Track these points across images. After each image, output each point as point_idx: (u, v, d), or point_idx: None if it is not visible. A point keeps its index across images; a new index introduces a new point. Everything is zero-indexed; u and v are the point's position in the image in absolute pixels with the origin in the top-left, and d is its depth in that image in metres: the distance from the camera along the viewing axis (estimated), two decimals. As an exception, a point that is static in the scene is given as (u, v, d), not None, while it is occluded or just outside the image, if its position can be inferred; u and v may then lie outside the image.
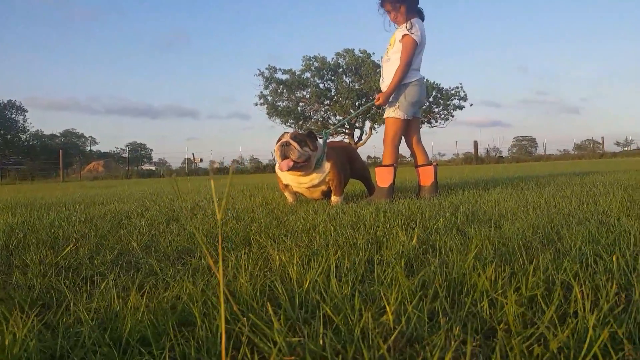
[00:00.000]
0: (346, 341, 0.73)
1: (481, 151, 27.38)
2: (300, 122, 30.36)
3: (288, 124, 30.55)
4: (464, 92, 27.53)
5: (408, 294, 0.87)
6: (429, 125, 28.18)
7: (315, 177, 3.11)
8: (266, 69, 29.23)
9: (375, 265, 1.08)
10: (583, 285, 0.86)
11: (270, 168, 28.67)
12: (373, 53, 28.40)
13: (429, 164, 3.36)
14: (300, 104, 30.65)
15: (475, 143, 24.62)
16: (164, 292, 1.05)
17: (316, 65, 29.32)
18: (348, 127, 29.96)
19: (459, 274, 1.01)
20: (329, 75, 29.57)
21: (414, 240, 1.37)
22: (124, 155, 53.62)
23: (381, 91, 3.35)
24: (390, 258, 1.21)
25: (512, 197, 2.70)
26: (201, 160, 32.85)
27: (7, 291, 1.18)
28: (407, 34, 3.18)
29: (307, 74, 29.65)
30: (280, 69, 29.37)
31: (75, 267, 1.49)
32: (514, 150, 48.80)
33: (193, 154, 32.68)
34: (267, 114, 30.11)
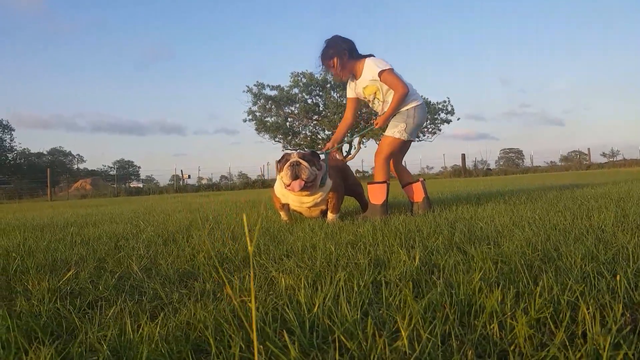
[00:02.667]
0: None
1: (469, 164, 27.67)
2: (289, 138, 30.44)
3: (277, 139, 30.62)
4: (451, 105, 27.92)
5: (419, 317, 0.88)
6: (417, 139, 28.47)
7: (318, 196, 3.13)
8: (254, 85, 29.35)
9: (383, 288, 1.10)
10: (590, 306, 0.88)
11: (259, 184, 28.62)
12: (361, 68, 28.70)
13: (416, 180, 3.42)
14: (289, 119, 30.77)
15: (463, 156, 24.89)
16: (174, 318, 1.05)
17: (304, 80, 29.54)
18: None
19: (465, 296, 1.03)
20: (317, 91, 29.80)
21: (417, 261, 1.39)
22: (111, 172, 53.17)
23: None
24: (395, 279, 1.23)
25: (505, 212, 2.74)
26: (189, 176, 32.62)
27: (14, 319, 1.17)
28: (381, 70, 3.20)
29: (296, 90, 29.84)
30: (268, 85, 29.52)
31: (78, 292, 1.48)
32: (501, 163, 49.36)
33: (182, 170, 32.47)
34: (256, 129, 30.16)
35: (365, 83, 3.34)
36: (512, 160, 54.55)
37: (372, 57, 3.31)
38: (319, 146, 30.87)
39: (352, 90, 3.51)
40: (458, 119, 27.81)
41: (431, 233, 2.07)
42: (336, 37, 3.35)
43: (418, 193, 3.37)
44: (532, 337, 0.81)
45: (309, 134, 30.46)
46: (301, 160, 3.01)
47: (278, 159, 3.29)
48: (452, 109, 27.94)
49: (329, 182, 3.18)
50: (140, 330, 0.93)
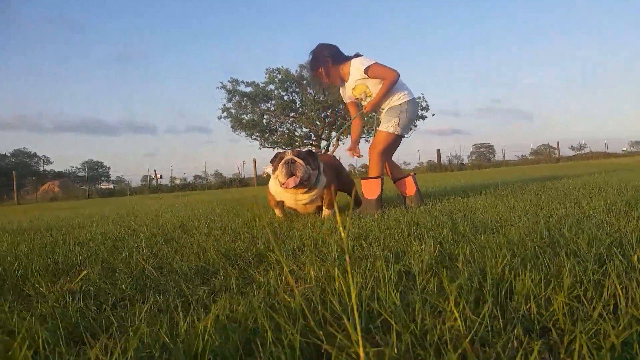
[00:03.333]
0: (421, 347, 0.79)
1: (444, 159, 28.19)
2: (266, 135, 30.28)
3: (254, 137, 30.41)
4: (426, 102, 28.31)
5: (463, 300, 0.93)
6: (407, 135, 28.79)
7: (313, 193, 3.17)
8: (228, 81, 29.05)
9: (416, 274, 1.15)
10: (615, 284, 0.95)
11: (237, 182, 28.36)
12: (336, 65, 28.76)
13: (407, 175, 3.50)
14: (265, 116, 30.58)
15: (439, 152, 25.38)
16: (214, 311, 1.07)
17: (280, 77, 29.40)
18: (315, 139, 30.11)
19: (493, 280, 1.09)
20: (293, 87, 29.71)
21: (436, 250, 1.45)
22: (80, 174, 51.60)
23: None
24: (418, 268, 1.28)
25: (497, 203, 2.83)
26: (161, 176, 31.94)
27: (40, 322, 1.17)
28: (368, 66, 3.26)
29: (272, 86, 29.67)
30: (243, 82, 29.27)
31: (94, 292, 1.47)
32: (474, 157, 50.46)
33: (155, 170, 31.85)
34: (232, 127, 29.87)
35: (352, 84, 3.40)
36: (483, 155, 55.83)
37: (357, 57, 3.35)
38: (296, 143, 30.81)
39: (345, 95, 3.56)
40: (433, 115, 28.23)
41: (435, 224, 2.14)
42: (319, 46, 3.43)
43: (410, 187, 3.44)
44: (570, 313, 0.88)
45: (286, 131, 30.36)
46: (296, 158, 3.05)
47: (272, 158, 3.32)
48: (427, 105, 28.36)
49: (323, 179, 3.23)
50: (188, 323, 0.95)
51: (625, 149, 34.07)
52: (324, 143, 30.41)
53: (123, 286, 1.47)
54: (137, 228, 3.21)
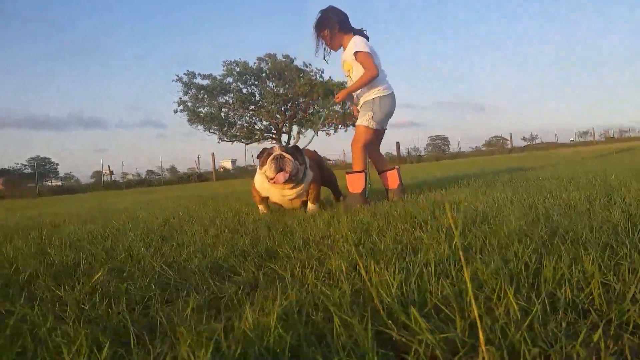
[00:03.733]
0: (483, 330, 0.86)
1: (402, 151, 28.84)
2: (225, 129, 29.78)
3: (212, 130, 29.81)
4: (387, 95, 28.80)
5: (503, 287, 1.01)
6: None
7: (300, 188, 3.21)
8: (185, 74, 28.29)
9: (451, 265, 1.22)
10: (636, 267, 1.07)
11: (195, 177, 27.69)
12: (295, 58, 28.66)
13: (392, 168, 3.60)
14: (223, 109, 30.02)
15: (397, 144, 25.94)
16: (270, 306, 1.10)
17: (238, 70, 28.94)
18: (275, 132, 29.92)
19: (519, 267, 1.18)
20: (252, 80, 29.34)
21: (456, 239, 1.53)
22: (26, 171, 48.76)
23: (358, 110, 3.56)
24: (437, 258, 1.36)
25: (478, 195, 2.98)
26: (112, 172, 30.59)
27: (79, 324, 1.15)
28: (357, 51, 3.33)
29: (230, 79, 29.15)
30: (200, 74, 28.57)
31: (112, 293, 1.44)
32: (429, 149, 51.92)
33: (109, 166, 30.62)
34: (189, 120, 29.15)
35: (344, 58, 3.48)
36: (439, 146, 57.60)
37: (357, 36, 3.40)
38: (256, 137, 30.48)
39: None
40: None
41: (429, 217, 2.24)
42: (330, 8, 3.45)
43: (393, 180, 3.55)
44: (604, 295, 0.98)
45: (245, 124, 29.99)
46: (284, 153, 3.08)
47: (258, 154, 3.33)
48: (385, 99, 28.91)
49: (310, 174, 3.28)
50: (250, 318, 0.98)
51: (572, 139, 36.22)
52: (284, 136, 30.32)
53: (143, 286, 1.46)
54: (121, 227, 3.13)
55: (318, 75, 28.83)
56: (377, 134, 3.61)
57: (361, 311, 0.97)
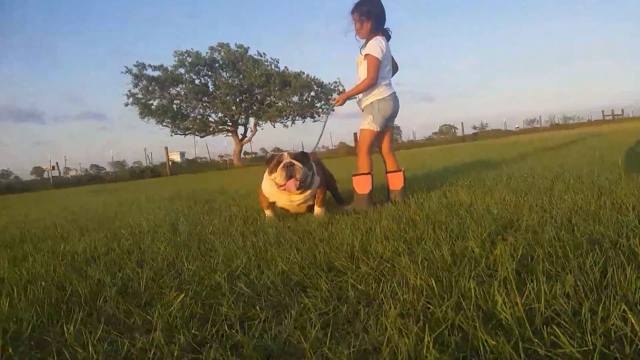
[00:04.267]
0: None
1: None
2: (177, 121, 28.96)
3: (164, 123, 28.90)
4: (342, 86, 29.03)
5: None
6: (312, 119, 29.19)
7: (308, 193, 3.31)
8: (134, 65, 27.18)
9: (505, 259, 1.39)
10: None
11: (148, 173, 26.63)
12: (249, 47, 28.27)
13: (399, 170, 3.74)
14: (176, 101, 29.16)
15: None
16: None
17: (190, 60, 28.15)
18: (231, 124, 29.44)
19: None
20: (205, 71, 28.65)
21: (510, 244, 1.70)
22: (-46, 168, 45.00)
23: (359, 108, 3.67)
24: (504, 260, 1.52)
25: (483, 197, 3.18)
26: (54, 167, 28.76)
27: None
28: (368, 54, 3.45)
29: (182, 70, 28.31)
30: (150, 65, 27.55)
31: (202, 316, 1.49)
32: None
33: (51, 161, 28.81)
34: (140, 113, 28.09)
35: (362, 53, 3.56)
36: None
37: (378, 38, 3.46)
38: (210, 129, 29.85)
39: None
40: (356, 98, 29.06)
41: (449, 220, 2.41)
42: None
43: (398, 181, 3.68)
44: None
45: (198, 116, 29.32)
46: (294, 161, 3.16)
47: (267, 159, 3.38)
48: (344, 89, 29.16)
49: (317, 179, 3.38)
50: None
51: (517, 126, 38.22)
52: (241, 128, 29.92)
53: (236, 305, 1.51)
54: (135, 236, 3.05)
55: (273, 65, 28.64)
56: (382, 133, 3.71)
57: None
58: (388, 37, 3.58)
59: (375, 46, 3.44)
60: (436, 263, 1.71)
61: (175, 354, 1.19)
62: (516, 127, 36.81)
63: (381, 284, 1.57)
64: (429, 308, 1.29)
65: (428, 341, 1.04)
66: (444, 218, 2.53)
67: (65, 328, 1.47)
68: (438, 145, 26.26)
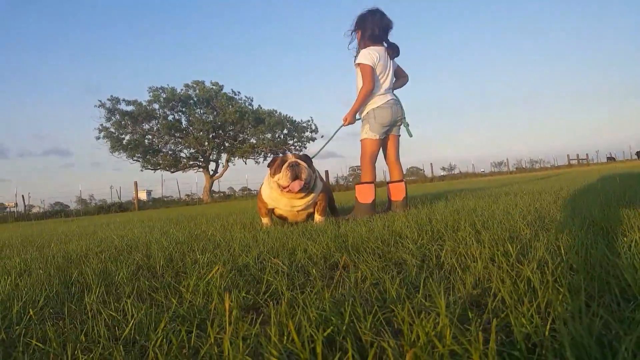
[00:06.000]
0: None
1: (332, 179, 29.49)
2: (148, 156, 28.45)
3: (135, 158, 28.34)
4: (315, 125, 29.52)
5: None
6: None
7: (310, 199, 3.18)
8: (108, 99, 26.87)
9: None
10: None
11: (115, 208, 25.66)
12: (223, 85, 28.58)
13: (401, 180, 3.73)
14: (148, 136, 28.76)
15: (327, 172, 26.53)
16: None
17: (164, 96, 28.08)
18: (202, 160, 29.16)
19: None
20: (179, 107, 28.58)
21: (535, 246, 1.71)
22: None
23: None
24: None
25: (483, 207, 3.23)
26: (16, 204, 27.35)
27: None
28: (359, 62, 3.52)
29: (156, 105, 28.16)
30: (124, 100, 27.29)
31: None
32: (350, 180, 53.44)
33: (23, 196, 27.45)
34: (112, 147, 27.46)
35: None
36: (358, 175, 59.33)
37: (368, 47, 3.52)
38: (181, 164, 29.37)
39: None
40: (322, 137, 29.47)
41: (459, 224, 2.41)
42: (377, 15, 3.55)
43: (400, 192, 3.66)
44: None
45: (169, 152, 28.90)
46: (299, 161, 3.03)
47: (269, 162, 3.26)
48: (316, 128, 29.62)
49: (319, 184, 3.25)
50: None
51: (483, 169, 39.21)
52: (212, 164, 29.60)
53: (282, 279, 1.44)
54: (129, 240, 2.91)
55: (247, 103, 28.94)
56: (385, 142, 3.72)
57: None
58: (397, 50, 3.63)
59: (364, 54, 3.50)
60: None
61: (233, 313, 1.02)
62: (481, 171, 37.76)
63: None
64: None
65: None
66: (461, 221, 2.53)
67: (86, 299, 1.35)
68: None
